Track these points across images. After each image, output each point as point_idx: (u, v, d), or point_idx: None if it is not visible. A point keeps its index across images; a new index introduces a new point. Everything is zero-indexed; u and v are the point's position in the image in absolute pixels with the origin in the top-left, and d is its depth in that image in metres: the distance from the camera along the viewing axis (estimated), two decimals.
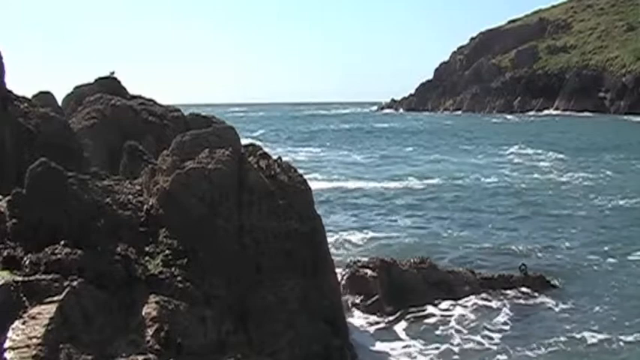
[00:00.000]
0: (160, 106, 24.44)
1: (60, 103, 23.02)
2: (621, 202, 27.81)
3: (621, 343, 12.72)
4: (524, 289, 15.83)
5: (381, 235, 21.86)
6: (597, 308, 14.80)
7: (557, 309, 14.93)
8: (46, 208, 9.21)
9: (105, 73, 25.62)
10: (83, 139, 18.49)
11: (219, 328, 9.32)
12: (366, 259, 16.16)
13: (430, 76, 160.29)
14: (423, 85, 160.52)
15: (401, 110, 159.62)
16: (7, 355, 7.00)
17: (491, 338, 13.28)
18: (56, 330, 7.43)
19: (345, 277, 14.89)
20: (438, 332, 13.66)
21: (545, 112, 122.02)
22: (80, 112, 22.12)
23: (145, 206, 10.52)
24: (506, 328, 13.85)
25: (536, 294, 15.72)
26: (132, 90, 25.42)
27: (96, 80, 25.03)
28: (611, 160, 44.56)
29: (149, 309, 8.61)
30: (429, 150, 56.34)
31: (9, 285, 7.90)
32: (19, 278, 8.15)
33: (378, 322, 13.99)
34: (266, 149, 12.58)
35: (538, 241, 21.08)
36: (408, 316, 14.31)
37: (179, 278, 9.38)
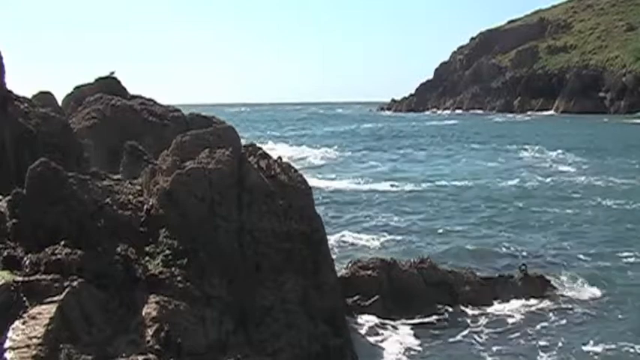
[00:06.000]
0: (160, 106, 24.47)
1: (60, 103, 23.06)
2: (625, 204, 27.74)
3: (638, 349, 12.43)
4: (524, 290, 15.79)
5: (382, 234, 21.85)
6: (601, 309, 14.75)
7: (558, 310, 14.89)
8: (46, 208, 9.21)
9: (105, 73, 25.69)
10: (83, 139, 18.53)
11: (219, 328, 9.32)
12: (366, 259, 16.14)
13: (430, 76, 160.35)
14: (423, 85, 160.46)
15: (401, 111, 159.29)
16: (7, 355, 7.00)
17: (491, 339, 13.27)
18: (56, 330, 7.42)
19: (345, 277, 14.87)
20: (437, 332, 13.64)
21: (545, 112, 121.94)
22: (80, 112, 22.16)
23: (145, 206, 10.52)
24: (507, 328, 13.83)
25: (536, 294, 15.69)
26: (132, 90, 25.46)
27: (96, 80, 25.09)
28: (614, 161, 44.49)
29: (149, 309, 8.61)
30: (436, 151, 56.41)
31: (9, 285, 7.89)
32: (19, 278, 8.14)
33: (377, 323, 13.97)
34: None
35: (539, 241, 21.06)
36: (408, 316, 14.28)
37: (179, 278, 9.38)
